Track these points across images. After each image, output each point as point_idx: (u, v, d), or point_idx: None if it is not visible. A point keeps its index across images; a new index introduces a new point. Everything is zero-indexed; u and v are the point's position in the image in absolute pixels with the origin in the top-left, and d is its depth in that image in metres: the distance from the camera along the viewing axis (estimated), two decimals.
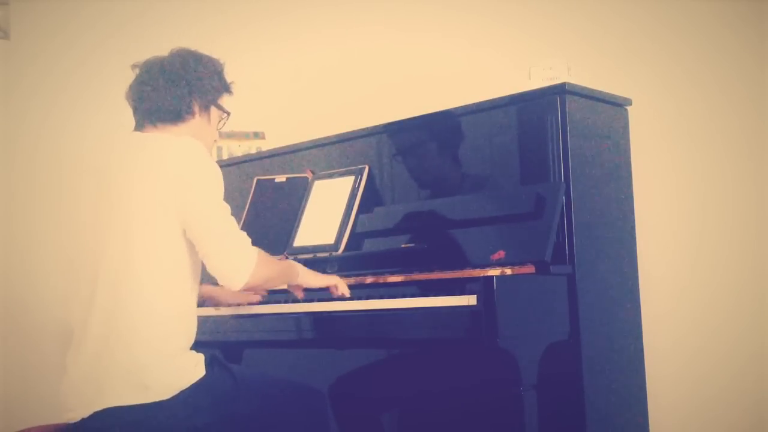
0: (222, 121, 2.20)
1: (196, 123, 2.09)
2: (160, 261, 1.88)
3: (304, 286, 2.29)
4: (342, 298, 2.30)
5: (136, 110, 2.09)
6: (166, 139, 1.98)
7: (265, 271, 2.00)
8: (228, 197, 2.00)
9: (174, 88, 2.05)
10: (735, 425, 2.53)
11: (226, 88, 2.19)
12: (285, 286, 2.29)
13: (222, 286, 1.97)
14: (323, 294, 2.35)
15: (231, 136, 3.37)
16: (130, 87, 2.10)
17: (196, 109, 2.09)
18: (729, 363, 2.55)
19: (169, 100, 2.04)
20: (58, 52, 3.50)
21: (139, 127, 2.08)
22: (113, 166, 1.94)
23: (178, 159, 1.91)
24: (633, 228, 2.55)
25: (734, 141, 2.57)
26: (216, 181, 1.95)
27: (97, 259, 1.90)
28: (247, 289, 2.00)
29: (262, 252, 2.02)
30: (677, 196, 2.65)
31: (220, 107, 2.16)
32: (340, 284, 2.30)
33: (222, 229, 1.92)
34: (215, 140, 2.21)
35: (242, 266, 1.93)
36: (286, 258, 2.67)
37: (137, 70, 2.10)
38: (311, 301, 2.36)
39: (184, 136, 2.02)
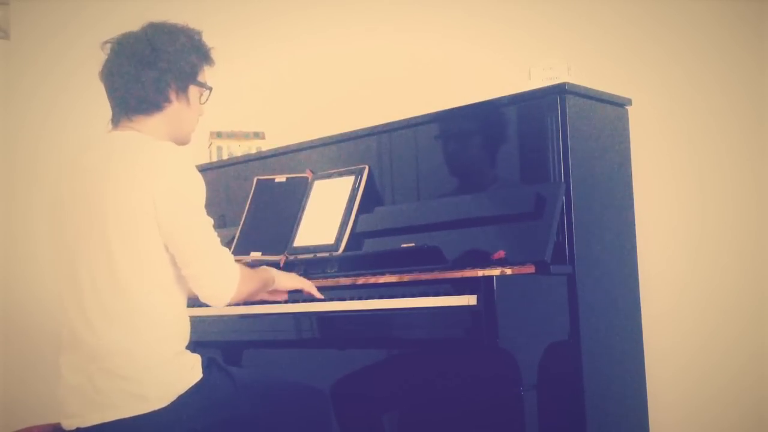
0: (204, 96, 2.04)
1: (174, 109, 1.96)
2: (146, 264, 1.83)
3: (281, 289, 2.25)
4: (318, 299, 2.31)
5: (109, 98, 1.96)
6: (147, 144, 1.87)
7: (247, 287, 1.96)
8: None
9: (145, 75, 1.90)
10: (735, 425, 2.53)
11: (205, 60, 2.02)
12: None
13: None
14: (322, 294, 2.35)
15: (231, 136, 3.37)
16: (102, 70, 1.97)
17: (173, 94, 1.95)
18: (729, 363, 2.55)
19: (140, 90, 1.91)
20: (58, 52, 3.50)
21: (115, 121, 1.97)
22: (96, 170, 1.86)
23: (161, 171, 1.81)
24: (633, 228, 2.55)
25: (734, 141, 2.57)
26: (198, 196, 1.87)
27: (84, 262, 1.85)
28: (230, 305, 1.96)
29: (244, 267, 1.98)
30: (677, 196, 2.65)
31: (199, 84, 2.01)
32: (311, 289, 2.30)
33: (204, 250, 1.86)
34: (200, 115, 2.05)
35: (225, 287, 1.88)
36: (287, 258, 2.67)
37: (107, 50, 1.97)
38: (311, 301, 2.36)
39: (163, 128, 1.94)
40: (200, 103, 2.05)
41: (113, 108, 1.97)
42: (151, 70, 1.92)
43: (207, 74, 2.06)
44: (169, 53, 1.94)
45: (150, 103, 1.93)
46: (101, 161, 1.87)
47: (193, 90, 2.01)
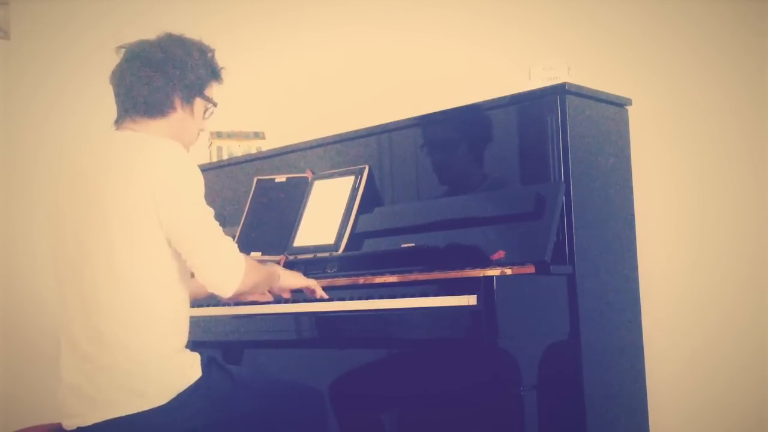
0: (208, 111, 2.09)
1: (178, 117, 2.00)
2: (147, 261, 1.84)
3: (286, 287, 2.27)
4: (321, 299, 2.31)
5: (116, 100, 2.00)
6: (145, 141, 1.90)
7: (253, 278, 1.97)
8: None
9: (153, 81, 1.95)
10: (735, 425, 2.53)
11: (214, 76, 2.07)
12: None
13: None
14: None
15: (231, 136, 3.37)
16: (113, 72, 2.01)
17: (177, 103, 1.99)
18: (729, 363, 2.55)
19: (147, 94, 1.95)
20: (58, 52, 3.50)
21: (119, 121, 2.00)
22: (95, 168, 1.88)
23: (158, 166, 1.84)
24: (633, 228, 2.55)
25: (734, 141, 2.57)
26: (197, 188, 1.88)
27: (83, 261, 1.86)
28: (236, 296, 1.97)
29: (249, 258, 2.00)
30: (677, 196, 2.65)
31: (205, 98, 2.05)
32: (317, 288, 2.31)
33: (209, 240, 1.88)
34: (201, 130, 2.10)
35: (232, 275, 1.90)
36: (287, 258, 2.67)
37: (122, 54, 2.01)
38: (311, 301, 2.36)
39: (164, 133, 1.96)
40: (204, 118, 2.08)
41: (118, 109, 2.00)
42: (160, 76, 1.96)
43: (215, 90, 2.10)
44: (180, 63, 1.99)
45: (154, 108, 1.97)
46: (100, 160, 1.89)
47: (198, 103, 2.05)
